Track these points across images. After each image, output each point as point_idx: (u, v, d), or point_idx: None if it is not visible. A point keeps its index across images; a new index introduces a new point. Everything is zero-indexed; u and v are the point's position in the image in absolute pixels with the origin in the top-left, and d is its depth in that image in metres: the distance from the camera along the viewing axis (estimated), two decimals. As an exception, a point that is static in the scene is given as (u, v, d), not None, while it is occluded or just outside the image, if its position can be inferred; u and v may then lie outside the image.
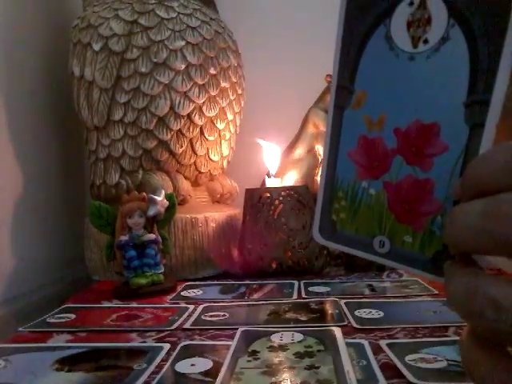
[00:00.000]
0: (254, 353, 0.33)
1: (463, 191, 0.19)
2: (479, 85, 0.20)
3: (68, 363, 0.33)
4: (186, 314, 0.44)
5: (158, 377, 0.30)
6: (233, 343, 0.34)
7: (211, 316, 0.43)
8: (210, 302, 0.48)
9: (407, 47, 0.21)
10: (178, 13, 0.62)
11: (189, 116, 0.62)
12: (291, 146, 0.74)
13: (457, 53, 0.20)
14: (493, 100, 0.19)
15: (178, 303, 0.49)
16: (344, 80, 0.23)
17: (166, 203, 0.55)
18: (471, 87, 0.20)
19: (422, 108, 0.21)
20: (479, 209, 0.18)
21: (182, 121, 0.62)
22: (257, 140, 0.69)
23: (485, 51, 0.20)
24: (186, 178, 0.65)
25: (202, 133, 0.64)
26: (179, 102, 0.61)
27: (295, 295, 0.50)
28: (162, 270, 0.55)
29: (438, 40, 0.21)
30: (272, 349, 0.33)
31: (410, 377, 0.28)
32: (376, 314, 0.42)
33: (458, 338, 0.35)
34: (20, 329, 0.41)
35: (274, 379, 0.28)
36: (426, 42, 0.21)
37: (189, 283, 0.58)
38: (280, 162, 0.72)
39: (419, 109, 0.21)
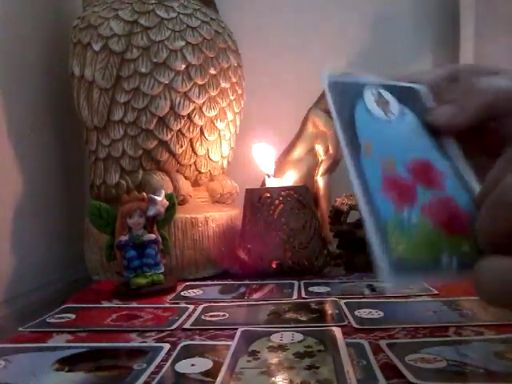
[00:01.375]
0: (254, 353, 0.33)
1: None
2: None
3: (68, 363, 0.33)
4: (186, 314, 0.44)
5: (158, 377, 0.30)
6: (233, 343, 0.34)
7: (211, 316, 0.43)
8: (210, 302, 0.48)
9: (382, 116, 0.29)
10: (178, 13, 0.62)
11: (189, 116, 0.62)
12: (291, 146, 0.73)
13: (413, 119, 0.29)
14: None
15: (178, 303, 0.49)
16: (350, 138, 0.27)
17: (166, 203, 0.55)
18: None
19: (411, 150, 0.27)
20: None
21: (182, 121, 0.62)
22: (253, 144, 0.69)
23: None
24: (186, 178, 0.65)
25: (202, 133, 0.64)
26: (179, 102, 0.61)
27: (295, 295, 0.50)
28: (162, 270, 0.55)
29: (398, 113, 0.29)
30: (272, 349, 0.33)
31: (409, 377, 0.28)
32: (376, 314, 0.42)
33: (457, 338, 0.35)
34: (20, 329, 0.41)
35: (273, 379, 0.28)
36: (392, 113, 0.29)
37: (189, 283, 0.58)
38: (280, 162, 0.72)
39: (411, 150, 0.27)
